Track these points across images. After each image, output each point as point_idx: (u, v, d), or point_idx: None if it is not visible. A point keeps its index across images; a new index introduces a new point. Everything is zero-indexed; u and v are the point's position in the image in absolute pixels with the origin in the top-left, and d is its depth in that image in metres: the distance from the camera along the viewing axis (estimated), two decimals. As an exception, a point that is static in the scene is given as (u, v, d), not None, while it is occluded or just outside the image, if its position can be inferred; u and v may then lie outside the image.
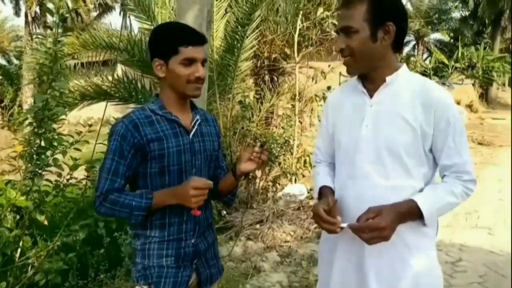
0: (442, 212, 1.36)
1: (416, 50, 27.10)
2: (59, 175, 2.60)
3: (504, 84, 21.69)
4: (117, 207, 1.34)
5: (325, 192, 1.45)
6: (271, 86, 7.00)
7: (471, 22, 23.28)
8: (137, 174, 1.41)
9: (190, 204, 1.31)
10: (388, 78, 1.35)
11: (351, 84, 1.47)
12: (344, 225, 1.31)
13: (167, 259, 1.40)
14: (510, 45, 22.26)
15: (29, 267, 2.46)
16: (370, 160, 1.36)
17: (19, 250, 2.46)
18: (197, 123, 1.47)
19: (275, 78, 7.59)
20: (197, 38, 1.38)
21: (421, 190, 1.35)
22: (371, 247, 1.32)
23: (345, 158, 1.44)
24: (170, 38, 1.37)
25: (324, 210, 1.33)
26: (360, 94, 1.41)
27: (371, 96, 1.38)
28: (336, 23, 1.40)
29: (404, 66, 1.39)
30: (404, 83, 1.36)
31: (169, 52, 1.36)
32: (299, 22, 5.60)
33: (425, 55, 25.95)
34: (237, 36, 4.76)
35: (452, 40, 22.85)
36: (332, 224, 1.31)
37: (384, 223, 1.26)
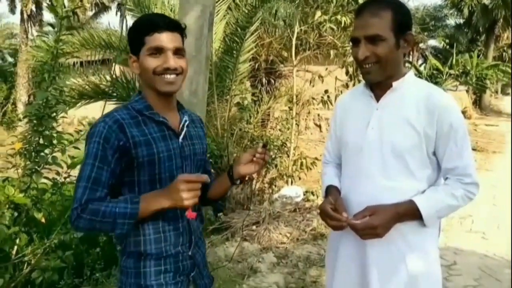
0: (441, 214, 1.40)
1: (411, 56, 27.33)
2: (57, 173, 2.60)
3: (497, 92, 21.92)
4: (97, 218, 1.15)
5: (331, 191, 1.49)
6: (268, 88, 7.03)
7: (465, 30, 23.56)
8: (122, 184, 1.25)
9: (182, 203, 1.14)
10: (394, 83, 1.39)
11: (359, 89, 1.51)
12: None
13: (165, 276, 1.27)
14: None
15: (25, 265, 2.45)
16: (375, 161, 1.39)
17: (15, 247, 2.44)
18: (185, 124, 1.34)
19: (272, 81, 7.62)
20: (163, 24, 1.22)
21: (424, 192, 1.38)
22: (373, 245, 1.37)
23: (350, 159, 1.48)
24: (136, 30, 1.25)
25: (330, 207, 1.38)
26: (367, 97, 1.44)
27: (378, 100, 1.42)
28: (353, 30, 1.38)
29: (411, 72, 1.42)
30: (410, 88, 1.39)
31: (138, 44, 1.24)
32: (297, 25, 5.63)
33: (419, 61, 26.14)
34: (236, 38, 4.78)
35: (446, 47, 23.06)
36: (338, 221, 1.36)
37: (378, 222, 1.31)
